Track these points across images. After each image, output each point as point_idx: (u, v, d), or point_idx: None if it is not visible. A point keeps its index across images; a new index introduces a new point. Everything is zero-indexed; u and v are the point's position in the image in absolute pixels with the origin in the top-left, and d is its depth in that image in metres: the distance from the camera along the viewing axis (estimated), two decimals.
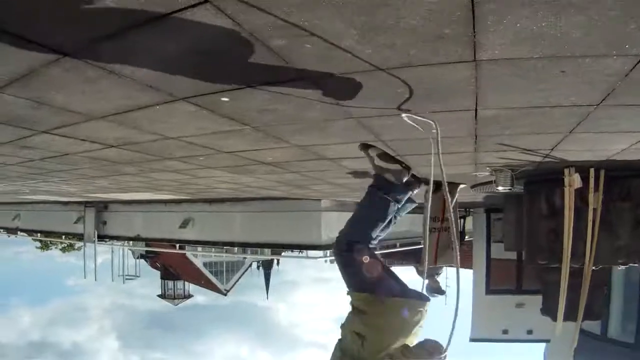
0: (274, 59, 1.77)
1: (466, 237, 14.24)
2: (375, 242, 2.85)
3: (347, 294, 2.70)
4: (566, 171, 4.56)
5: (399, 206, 2.62)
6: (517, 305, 11.93)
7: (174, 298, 28.11)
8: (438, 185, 6.11)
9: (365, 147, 2.72)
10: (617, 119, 2.74)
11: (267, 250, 12.10)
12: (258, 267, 30.86)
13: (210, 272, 27.43)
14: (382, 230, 2.78)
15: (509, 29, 1.52)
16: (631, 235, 4.67)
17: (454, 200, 6.31)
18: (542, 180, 5.31)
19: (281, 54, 1.72)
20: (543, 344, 11.41)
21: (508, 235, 8.11)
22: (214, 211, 10.58)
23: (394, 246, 12.45)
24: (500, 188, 5.19)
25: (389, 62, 1.81)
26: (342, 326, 2.60)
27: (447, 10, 1.38)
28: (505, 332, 11.99)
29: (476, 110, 2.62)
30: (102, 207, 13.09)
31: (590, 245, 4.66)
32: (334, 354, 2.63)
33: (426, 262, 3.65)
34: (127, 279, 23.73)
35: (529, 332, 11.64)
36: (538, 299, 11.99)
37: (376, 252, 2.86)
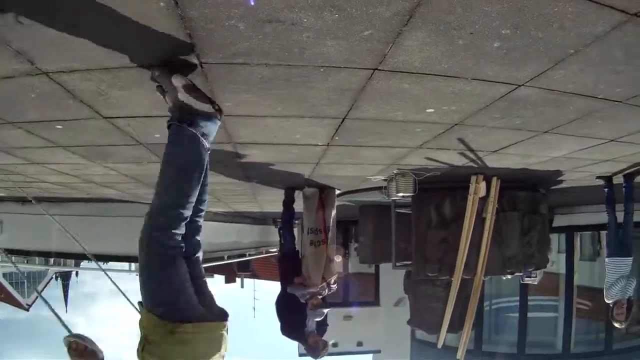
0: None
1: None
2: (200, 219, 2.15)
3: (140, 311, 2.02)
4: (473, 178, 4.56)
5: (208, 146, 1.90)
6: (345, 317, 12.18)
7: None
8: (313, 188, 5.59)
9: (165, 73, 1.80)
10: (606, 120, 2.72)
11: (71, 261, 10.00)
12: (56, 278, 27.78)
13: (10, 283, 24.51)
14: (201, 195, 2.04)
15: None
16: (518, 245, 4.89)
17: (334, 208, 5.89)
18: (432, 189, 5.27)
19: None
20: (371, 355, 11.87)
21: (363, 248, 8.05)
22: (27, 213, 8.21)
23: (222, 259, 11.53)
24: (400, 194, 4.94)
25: None
26: (138, 352, 1.95)
27: None
28: (335, 345, 12.08)
29: (520, 86, 2.21)
30: None
31: (484, 255, 4.72)
32: None
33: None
34: None
35: (359, 343, 11.99)
36: (366, 311, 12.55)
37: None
